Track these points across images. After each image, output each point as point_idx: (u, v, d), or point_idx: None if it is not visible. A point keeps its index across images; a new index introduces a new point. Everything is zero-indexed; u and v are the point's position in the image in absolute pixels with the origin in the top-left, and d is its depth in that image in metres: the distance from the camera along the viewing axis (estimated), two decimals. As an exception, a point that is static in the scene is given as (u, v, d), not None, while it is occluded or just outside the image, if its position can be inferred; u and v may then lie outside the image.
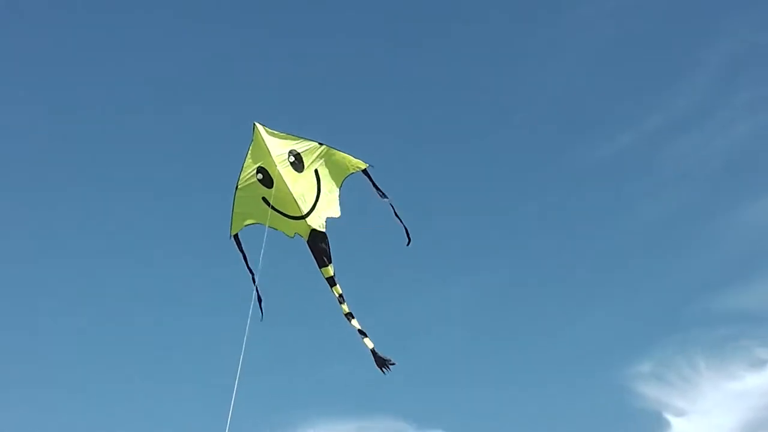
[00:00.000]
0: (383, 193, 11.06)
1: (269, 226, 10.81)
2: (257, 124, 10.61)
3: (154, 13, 29.68)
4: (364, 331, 10.90)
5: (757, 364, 23.76)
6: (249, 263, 10.71)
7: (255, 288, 10.55)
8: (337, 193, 11.13)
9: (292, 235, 10.96)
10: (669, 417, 23.24)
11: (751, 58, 29.16)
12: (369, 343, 10.87)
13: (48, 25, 29.45)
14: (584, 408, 23.48)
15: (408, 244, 11.12)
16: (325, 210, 11.07)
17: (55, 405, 22.77)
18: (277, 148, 10.67)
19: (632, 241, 27.89)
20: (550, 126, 30.19)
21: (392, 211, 11.05)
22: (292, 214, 10.92)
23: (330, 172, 11.06)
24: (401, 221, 11.08)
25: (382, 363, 10.84)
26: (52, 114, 28.53)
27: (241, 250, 10.75)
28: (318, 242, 11.06)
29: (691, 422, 23.23)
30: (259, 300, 10.51)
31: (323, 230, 11.04)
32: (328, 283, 10.89)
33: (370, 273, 25.24)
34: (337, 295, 10.87)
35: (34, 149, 27.88)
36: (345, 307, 10.85)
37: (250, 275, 10.67)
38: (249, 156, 10.71)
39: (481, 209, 29.20)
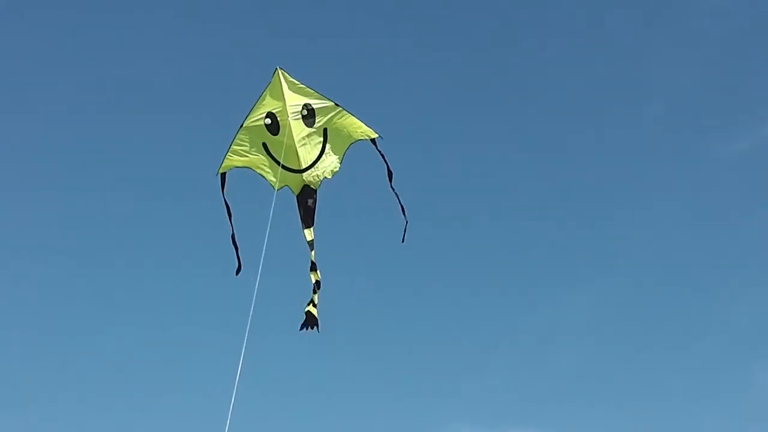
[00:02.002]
0: (390, 170, 10.85)
1: (259, 171, 10.68)
2: (279, 70, 10.37)
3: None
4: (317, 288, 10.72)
5: None
6: (230, 210, 10.56)
7: (232, 236, 10.51)
8: (341, 156, 10.95)
9: (279, 188, 10.71)
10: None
11: None
12: (316, 298, 10.68)
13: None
14: (724, 421, 22.67)
15: (402, 241, 10.97)
16: (323, 169, 10.91)
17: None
18: (294, 98, 10.46)
19: None
20: (681, 120, 28.71)
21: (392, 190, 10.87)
22: (290, 166, 10.77)
23: (339, 134, 10.84)
24: (400, 202, 10.87)
25: (312, 322, 10.66)
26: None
27: (223, 193, 10.54)
28: (307, 198, 10.94)
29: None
30: (237, 251, 10.45)
31: (316, 187, 10.92)
32: (308, 246, 10.74)
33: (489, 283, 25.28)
34: (311, 261, 10.72)
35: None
36: (314, 276, 10.68)
37: (229, 223, 10.56)
38: (263, 98, 10.48)
39: (604, 211, 27.93)
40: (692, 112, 28.60)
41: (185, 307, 25.13)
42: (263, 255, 9.77)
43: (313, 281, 10.68)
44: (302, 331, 10.66)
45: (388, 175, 10.81)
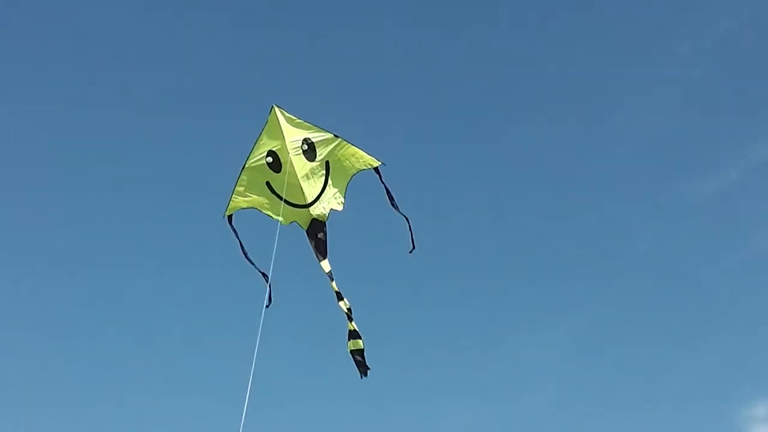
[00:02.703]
0: (391, 196, 10.85)
1: (264, 211, 10.71)
2: (275, 107, 10.43)
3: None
4: (359, 333, 10.55)
5: None
6: (244, 248, 10.57)
7: (263, 274, 10.46)
8: (345, 187, 10.94)
9: (288, 223, 10.75)
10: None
11: None
12: (362, 343, 10.52)
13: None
14: None
15: (411, 251, 10.88)
16: (329, 201, 10.90)
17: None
18: (293, 134, 10.49)
19: (746, 275, 26.64)
20: (652, 162, 29.24)
21: (396, 212, 10.82)
22: (295, 202, 10.76)
23: (341, 166, 10.86)
24: (408, 221, 10.83)
25: (363, 367, 10.54)
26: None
27: (236, 233, 10.57)
28: (317, 232, 10.91)
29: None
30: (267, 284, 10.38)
31: (324, 220, 10.89)
32: (328, 277, 10.66)
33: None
34: (335, 292, 10.61)
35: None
36: (343, 305, 10.53)
37: (246, 259, 10.55)
38: (262, 137, 10.53)
39: (584, 248, 28.20)
40: (658, 156, 29.16)
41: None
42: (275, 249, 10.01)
43: (345, 310, 10.52)
44: (364, 378, 10.47)
45: (391, 201, 10.81)
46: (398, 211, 10.79)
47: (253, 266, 10.49)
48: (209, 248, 23.59)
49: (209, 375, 23.41)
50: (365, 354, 10.49)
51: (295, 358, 22.85)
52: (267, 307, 10.23)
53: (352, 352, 10.49)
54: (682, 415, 23.56)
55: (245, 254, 10.57)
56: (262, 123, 10.57)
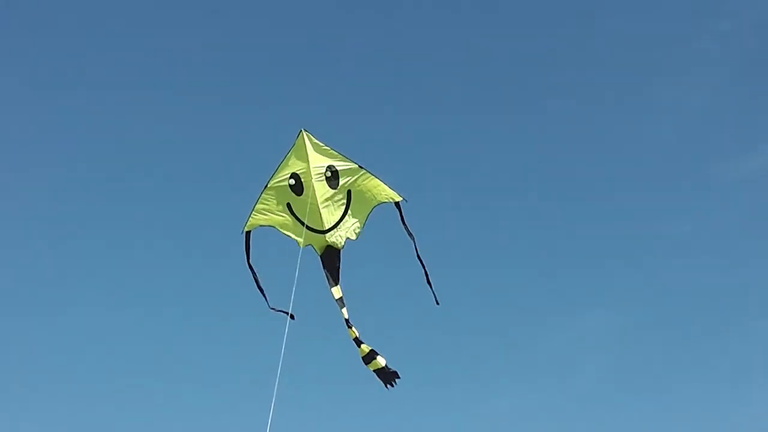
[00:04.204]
0: (410, 232, 10.91)
1: (283, 231, 10.88)
2: (304, 132, 10.59)
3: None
4: (377, 351, 10.64)
5: None
6: (251, 263, 10.76)
7: (258, 287, 10.75)
8: (364, 219, 11.04)
9: (303, 246, 10.89)
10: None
11: None
12: (381, 361, 10.59)
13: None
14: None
15: (437, 303, 10.91)
16: (347, 230, 11.02)
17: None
18: (318, 160, 10.65)
19: None
20: (688, 143, 29.34)
21: (415, 252, 10.89)
22: (313, 227, 10.88)
23: (362, 196, 10.96)
24: (423, 266, 10.86)
25: (389, 377, 10.63)
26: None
27: (248, 248, 10.74)
28: (332, 259, 11.01)
29: None
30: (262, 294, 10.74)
31: (340, 247, 11.00)
32: (338, 304, 10.76)
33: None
34: (345, 318, 10.71)
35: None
36: (353, 332, 10.63)
37: (252, 275, 10.76)
38: (287, 159, 10.69)
39: (626, 229, 28.20)
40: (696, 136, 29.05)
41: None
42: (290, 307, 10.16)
43: (353, 338, 10.63)
44: (390, 388, 10.62)
45: (411, 237, 10.85)
46: (418, 257, 10.84)
47: (255, 280, 10.74)
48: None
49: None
50: (387, 365, 10.59)
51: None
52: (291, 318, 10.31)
53: (374, 371, 10.63)
54: (721, 396, 23.44)
55: (251, 269, 10.79)
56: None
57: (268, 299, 10.75)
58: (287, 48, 30.20)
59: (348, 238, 11.02)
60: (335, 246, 10.99)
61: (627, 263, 27.18)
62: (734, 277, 26.29)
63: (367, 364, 10.67)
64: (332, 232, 10.94)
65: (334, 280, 10.95)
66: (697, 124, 29.21)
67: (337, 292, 10.89)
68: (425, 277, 10.88)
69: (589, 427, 23.04)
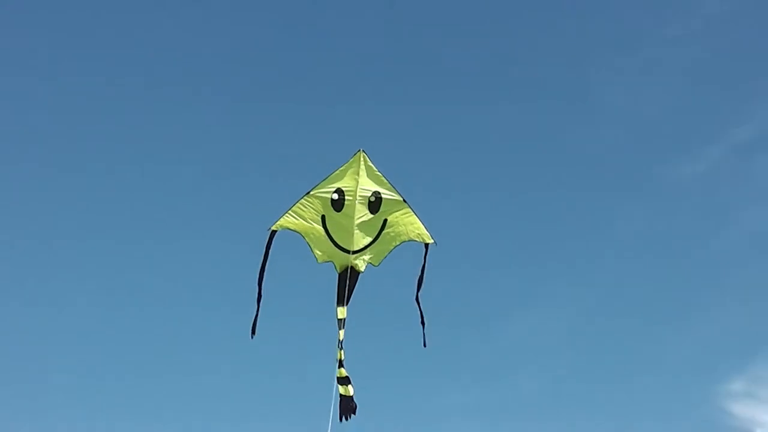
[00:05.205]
0: (423, 276, 11.00)
1: (307, 240, 10.88)
2: (362, 152, 10.72)
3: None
4: (350, 380, 10.73)
5: None
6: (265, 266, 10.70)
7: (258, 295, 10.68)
8: (390, 249, 11.10)
9: (322, 261, 10.96)
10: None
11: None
12: (351, 390, 10.68)
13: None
14: (674, 428, 23.57)
15: (425, 346, 11.01)
16: (371, 256, 11.10)
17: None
18: (367, 183, 10.76)
19: (726, 256, 27.53)
20: (638, 145, 30.04)
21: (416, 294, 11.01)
22: (341, 244, 10.93)
23: (396, 228, 11.01)
24: (421, 311, 10.98)
25: (347, 410, 10.67)
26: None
27: (268, 249, 10.67)
28: (348, 279, 11.04)
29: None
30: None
31: (361, 270, 11.07)
32: (338, 324, 10.80)
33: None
34: (339, 340, 10.74)
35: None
36: (340, 354, 10.67)
37: (258, 278, 10.69)
38: (338, 174, 10.75)
39: (569, 232, 28.72)
40: (645, 138, 29.81)
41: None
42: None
43: (337, 359, 10.68)
44: (342, 421, 10.61)
45: (418, 282, 10.96)
46: (418, 303, 10.96)
47: (258, 292, 10.67)
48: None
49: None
50: (353, 397, 10.66)
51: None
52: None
53: (341, 396, 10.66)
54: (664, 389, 24.18)
55: (261, 274, 10.70)
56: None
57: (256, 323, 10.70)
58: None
59: (370, 263, 11.10)
60: (356, 269, 11.05)
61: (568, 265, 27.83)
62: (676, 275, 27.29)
63: (339, 384, 10.72)
64: (358, 254, 11.00)
65: (345, 300, 11.01)
66: (644, 129, 30.02)
67: (342, 312, 10.94)
68: (420, 319, 10.99)
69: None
